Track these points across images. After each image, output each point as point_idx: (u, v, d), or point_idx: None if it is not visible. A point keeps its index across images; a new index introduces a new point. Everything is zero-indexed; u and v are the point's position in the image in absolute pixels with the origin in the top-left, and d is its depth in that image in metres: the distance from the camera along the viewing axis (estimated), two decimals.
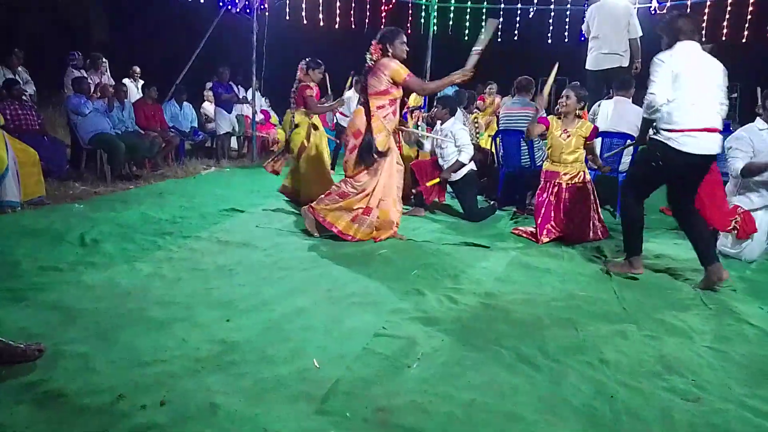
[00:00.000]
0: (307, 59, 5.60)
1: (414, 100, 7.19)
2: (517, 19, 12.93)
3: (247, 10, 9.21)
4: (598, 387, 2.21)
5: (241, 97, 9.45)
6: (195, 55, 9.31)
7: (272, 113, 10.80)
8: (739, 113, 7.42)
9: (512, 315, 2.94)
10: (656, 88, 3.32)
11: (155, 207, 5.25)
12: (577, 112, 4.60)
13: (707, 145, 3.34)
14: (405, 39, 4.31)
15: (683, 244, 4.47)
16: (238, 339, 2.52)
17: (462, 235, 4.66)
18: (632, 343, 2.65)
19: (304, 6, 10.71)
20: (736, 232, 4.11)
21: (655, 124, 3.45)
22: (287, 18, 10.72)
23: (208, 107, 9.46)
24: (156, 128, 7.81)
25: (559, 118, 4.60)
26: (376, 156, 4.16)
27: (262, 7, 9.56)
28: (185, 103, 8.92)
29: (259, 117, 9.75)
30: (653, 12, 10.90)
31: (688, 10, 11.38)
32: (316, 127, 5.65)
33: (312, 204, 4.42)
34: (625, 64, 6.57)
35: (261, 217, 5.06)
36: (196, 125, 9.06)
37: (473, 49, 4.22)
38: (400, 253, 4.03)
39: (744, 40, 11.46)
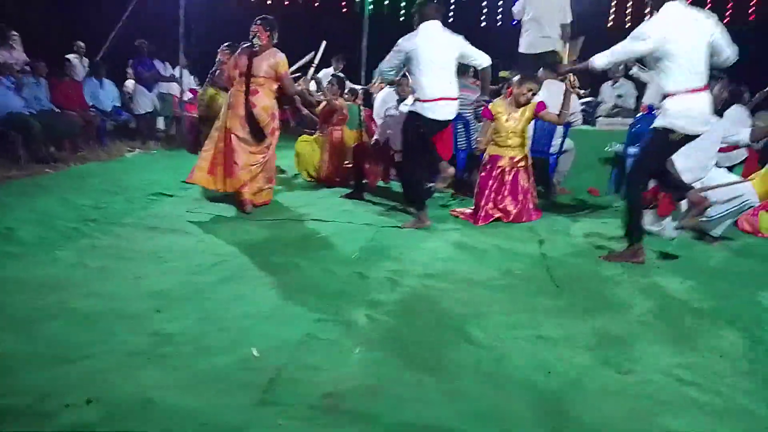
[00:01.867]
0: (228, 43, 5.51)
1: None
2: (451, 2, 13.00)
3: None
4: (538, 362, 2.27)
5: (168, 75, 8.97)
6: (117, 28, 8.75)
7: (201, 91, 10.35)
8: None
9: (453, 295, 2.97)
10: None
11: (76, 192, 4.92)
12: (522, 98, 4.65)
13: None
14: None
15: (611, 222, 4.69)
16: (171, 330, 2.39)
17: (401, 217, 4.65)
18: (567, 317, 2.73)
19: None
20: (655, 209, 4.33)
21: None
22: None
23: (131, 85, 8.93)
24: (75, 107, 7.30)
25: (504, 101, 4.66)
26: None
27: None
28: (106, 80, 8.37)
29: (188, 96, 9.32)
30: None
31: None
32: None
33: None
34: (558, 47, 6.72)
35: (192, 201, 4.85)
36: (118, 104, 8.55)
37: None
38: (340, 237, 3.97)
39: None
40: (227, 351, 2.22)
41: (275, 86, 4.63)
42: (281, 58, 4.54)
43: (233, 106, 4.55)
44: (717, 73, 4.49)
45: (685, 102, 3.37)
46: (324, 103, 5.98)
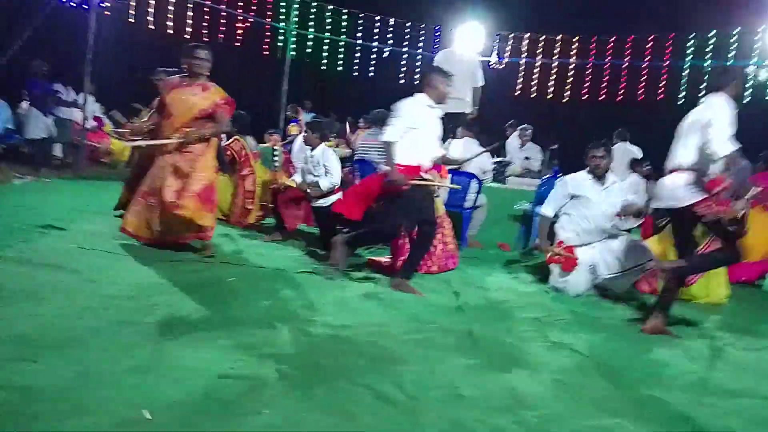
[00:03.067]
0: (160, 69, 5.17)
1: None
2: (373, 57, 13.39)
3: (84, 5, 8.28)
4: (455, 424, 2.15)
5: (71, 99, 8.37)
6: (16, 46, 8.10)
7: (106, 120, 9.77)
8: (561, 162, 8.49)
9: (367, 348, 2.82)
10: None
11: None
12: None
13: None
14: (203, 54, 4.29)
15: (522, 277, 4.80)
16: (43, 384, 2.05)
17: (316, 263, 4.49)
18: (484, 376, 2.66)
19: (152, 10, 9.94)
20: (561, 265, 4.49)
21: None
22: (131, 20, 9.85)
23: (25, 107, 8.24)
24: None
25: None
26: None
27: (101, 3, 8.67)
28: None
29: (91, 123, 8.73)
30: (490, 66, 12.04)
31: (521, 69, 12.80)
32: None
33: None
34: (468, 110, 6.98)
35: (85, 236, 4.40)
36: (11, 126, 7.83)
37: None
38: (250, 281, 3.73)
39: (565, 100, 13.08)
40: (111, 412, 1.91)
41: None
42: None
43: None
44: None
45: None
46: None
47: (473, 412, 2.27)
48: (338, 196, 5.25)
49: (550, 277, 4.62)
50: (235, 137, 5.82)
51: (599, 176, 4.59)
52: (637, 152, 8.06)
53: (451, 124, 6.80)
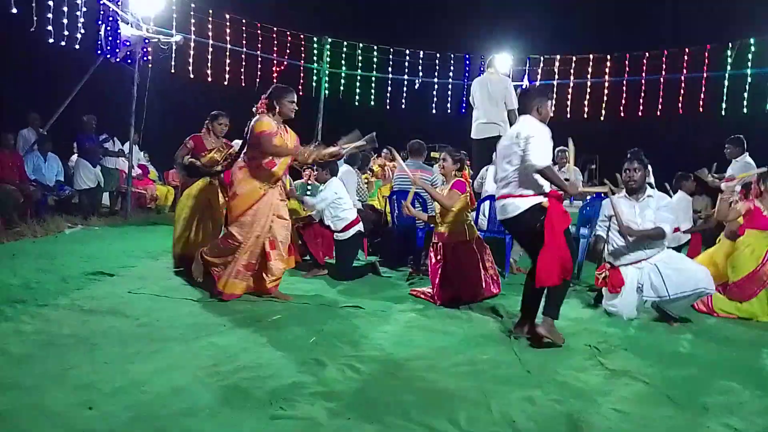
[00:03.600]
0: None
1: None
2: (404, 89, 13.58)
3: (128, 60, 8.70)
4: None
5: (117, 150, 8.74)
6: (66, 104, 8.54)
7: (151, 168, 10.15)
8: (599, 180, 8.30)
9: (417, 383, 2.75)
10: None
11: (5, 270, 4.52)
12: (455, 173, 4.69)
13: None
14: (294, 98, 4.32)
15: (570, 303, 4.64)
16: (101, 430, 2.07)
17: (359, 297, 4.46)
18: (540, 408, 2.55)
19: (191, 60, 10.36)
20: (607, 285, 4.32)
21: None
22: (172, 71, 10.30)
23: (74, 159, 8.65)
24: (13, 179, 6.91)
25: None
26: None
27: (144, 58, 9.10)
28: (51, 154, 8.08)
29: (137, 171, 9.08)
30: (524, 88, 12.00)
31: (555, 89, 12.72)
32: None
33: (203, 250, 4.29)
34: (503, 133, 6.96)
35: (134, 281, 4.52)
36: (62, 179, 8.20)
37: (342, 143, 4.33)
38: (295, 319, 3.73)
39: (602, 118, 12.89)
40: None
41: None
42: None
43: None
44: None
45: None
46: None
47: None
48: (357, 227, 5.25)
49: (603, 301, 4.46)
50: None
51: (634, 190, 4.41)
52: None
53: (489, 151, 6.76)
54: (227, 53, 10.77)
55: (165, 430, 2.12)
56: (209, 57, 10.59)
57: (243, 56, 11.13)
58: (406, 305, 4.33)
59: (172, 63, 10.13)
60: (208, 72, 10.62)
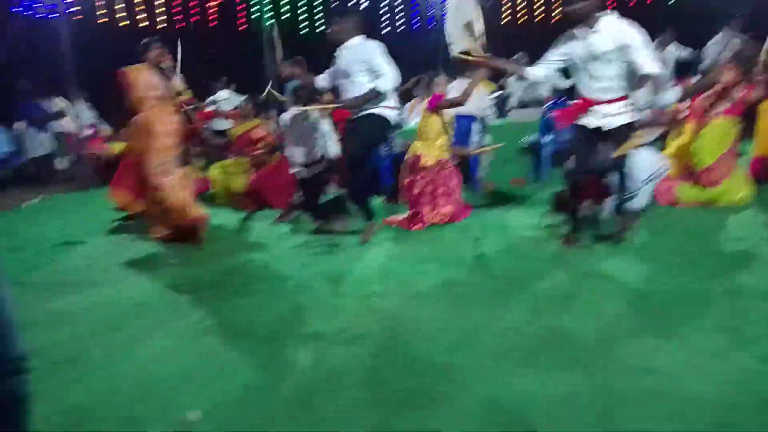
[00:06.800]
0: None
1: None
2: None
3: (53, 14, 8.10)
4: (492, 377, 2.16)
5: (55, 111, 8.24)
6: None
7: (104, 126, 9.70)
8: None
9: (402, 313, 2.83)
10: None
11: None
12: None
13: None
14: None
15: (540, 211, 4.74)
16: (92, 404, 2.10)
17: (333, 234, 4.46)
18: (515, 319, 2.66)
19: (120, 8, 9.67)
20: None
21: None
22: (100, 21, 9.62)
23: (21, 127, 8.21)
24: None
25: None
26: None
27: (68, 10, 8.46)
28: None
29: (87, 132, 8.68)
30: None
31: None
32: None
33: None
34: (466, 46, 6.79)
35: (104, 248, 4.44)
36: (12, 149, 7.82)
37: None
38: (271, 265, 3.75)
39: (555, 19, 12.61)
40: (158, 420, 1.97)
41: None
42: None
43: None
44: None
45: None
46: (237, 127, 5.72)
47: (509, 364, 2.28)
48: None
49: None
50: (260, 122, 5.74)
51: None
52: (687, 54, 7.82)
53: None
54: None
55: (154, 394, 2.16)
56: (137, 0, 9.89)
57: None
58: (380, 235, 4.33)
59: (98, 13, 9.44)
60: (138, 17, 9.94)
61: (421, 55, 8.30)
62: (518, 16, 12.92)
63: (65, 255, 4.30)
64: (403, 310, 2.85)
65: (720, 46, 7.31)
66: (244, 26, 11.90)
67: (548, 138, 5.95)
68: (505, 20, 12.77)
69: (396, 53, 4.23)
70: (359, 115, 4.00)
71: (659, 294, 2.86)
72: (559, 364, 2.22)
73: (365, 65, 3.91)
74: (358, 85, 3.94)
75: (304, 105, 4.56)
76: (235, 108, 6.44)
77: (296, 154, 4.81)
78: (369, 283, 3.29)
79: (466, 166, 5.55)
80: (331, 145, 4.76)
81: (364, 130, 4.02)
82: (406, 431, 1.85)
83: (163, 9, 10.36)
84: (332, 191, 5.38)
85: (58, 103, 8.36)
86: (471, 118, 5.55)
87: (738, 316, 2.53)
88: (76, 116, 8.16)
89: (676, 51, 8.00)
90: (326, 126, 4.82)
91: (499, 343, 2.43)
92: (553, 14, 12.63)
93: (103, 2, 9.54)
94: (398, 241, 4.17)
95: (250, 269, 3.71)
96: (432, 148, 4.55)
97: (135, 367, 2.39)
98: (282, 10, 11.76)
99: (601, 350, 2.30)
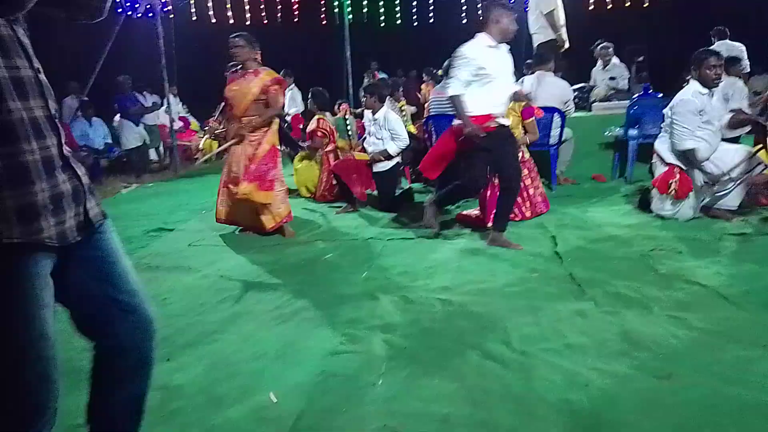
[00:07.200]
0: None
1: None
2: (431, 2, 12.94)
3: (150, 14, 8.64)
4: (570, 376, 2.13)
5: (150, 104, 8.84)
6: (98, 66, 8.65)
7: (191, 119, 10.28)
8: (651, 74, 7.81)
9: (470, 308, 2.84)
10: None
11: None
12: None
13: None
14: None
15: (620, 208, 4.56)
16: (181, 381, 2.27)
17: (406, 227, 4.53)
18: (593, 321, 2.60)
19: (210, 5, 10.18)
20: (674, 193, 4.17)
21: None
22: (194, 18, 10.18)
23: (117, 120, 8.85)
24: None
25: None
26: None
27: (164, 9, 9.00)
28: (95, 118, 8.30)
29: (178, 125, 9.24)
30: None
31: None
32: None
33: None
34: (550, 36, 6.68)
35: (192, 234, 4.73)
36: (110, 141, 8.46)
37: None
38: (347, 256, 3.85)
39: (646, 5, 11.97)
40: (240, 400, 2.09)
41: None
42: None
43: None
44: None
45: None
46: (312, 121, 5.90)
47: (587, 360, 2.24)
48: (397, 158, 5.21)
49: (652, 204, 4.35)
50: (318, 116, 5.88)
51: (716, 86, 4.14)
52: (742, 51, 7.28)
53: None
54: None
55: (238, 374, 2.30)
56: None
57: None
58: (454, 230, 4.37)
59: (192, 10, 9.99)
60: (228, 15, 10.44)
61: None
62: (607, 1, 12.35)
63: (157, 241, 4.61)
64: (475, 307, 2.84)
65: None
66: (324, 22, 12.16)
67: (634, 132, 5.68)
68: (591, 8, 12.25)
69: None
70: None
71: (750, 300, 2.68)
72: (638, 366, 2.15)
73: None
74: None
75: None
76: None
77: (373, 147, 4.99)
78: (442, 277, 3.31)
79: (547, 162, 5.43)
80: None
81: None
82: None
83: (248, 6, 10.79)
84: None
85: (151, 97, 8.96)
86: (551, 110, 5.41)
87: None
88: (168, 109, 8.69)
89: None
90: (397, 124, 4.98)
91: (557, 334, 2.41)
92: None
93: (194, 1, 10.06)
94: (471, 237, 4.15)
95: (328, 259, 3.82)
96: None
97: (220, 348, 2.55)
98: (362, 5, 11.91)
99: (681, 357, 2.21)
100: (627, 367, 2.16)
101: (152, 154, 9.33)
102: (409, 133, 6.46)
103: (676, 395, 1.96)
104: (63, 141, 1.33)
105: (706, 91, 4.11)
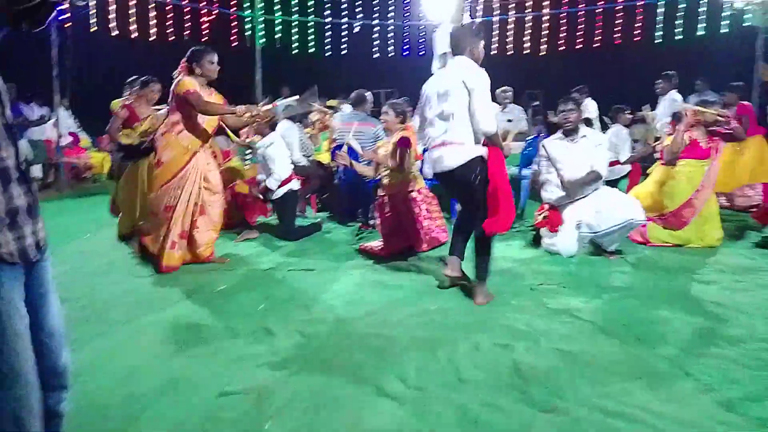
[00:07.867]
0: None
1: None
2: (344, 34, 13.16)
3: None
4: (462, 412, 2.14)
5: (37, 117, 8.15)
6: None
7: (83, 135, 9.60)
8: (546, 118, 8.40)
9: (369, 341, 2.80)
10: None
11: None
12: (397, 125, 4.59)
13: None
14: (215, 58, 4.11)
15: (515, 244, 4.77)
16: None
17: (307, 257, 4.45)
18: (486, 355, 2.65)
19: (113, 17, 9.66)
20: (548, 226, 4.46)
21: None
22: (93, 30, 9.59)
23: None
24: None
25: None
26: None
27: (59, 18, 8.43)
28: None
29: (67, 140, 8.58)
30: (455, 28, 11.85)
31: (494, 27, 12.60)
32: None
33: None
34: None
35: (74, 257, 4.35)
36: None
37: (282, 102, 4.50)
38: (242, 286, 3.70)
39: (543, 53, 12.92)
40: None
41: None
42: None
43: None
44: None
45: None
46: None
47: (479, 395, 2.27)
48: (290, 185, 5.10)
49: (542, 241, 4.60)
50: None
51: (570, 131, 4.50)
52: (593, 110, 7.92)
53: None
54: (151, 5, 10.08)
55: (113, 415, 2.10)
56: (131, 11, 9.88)
57: (169, 7, 10.45)
58: (356, 261, 4.35)
59: (92, 21, 9.42)
60: (131, 28, 9.94)
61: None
62: (507, 48, 13.15)
63: None
64: (375, 340, 2.81)
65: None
66: (235, 43, 11.94)
67: (527, 171, 6.01)
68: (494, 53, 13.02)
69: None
70: None
71: (628, 333, 2.87)
72: (525, 400, 2.20)
73: None
74: None
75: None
76: None
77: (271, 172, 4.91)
78: (342, 309, 3.26)
79: (446, 196, 5.56)
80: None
81: None
82: None
83: (155, 21, 10.36)
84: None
85: (40, 109, 8.27)
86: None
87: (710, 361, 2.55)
88: (57, 123, 8.06)
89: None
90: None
91: (452, 368, 2.46)
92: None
93: (95, 11, 9.51)
94: (374, 268, 4.14)
95: (223, 288, 3.65)
96: (397, 177, 4.52)
97: (98, 385, 2.32)
98: (276, 30, 11.84)
99: (566, 389, 2.29)
100: (514, 401, 2.21)
101: (36, 171, 8.57)
102: (316, 161, 6.44)
103: (559, 427, 2.03)
104: (20, 152, 1.23)
105: (561, 136, 4.51)
